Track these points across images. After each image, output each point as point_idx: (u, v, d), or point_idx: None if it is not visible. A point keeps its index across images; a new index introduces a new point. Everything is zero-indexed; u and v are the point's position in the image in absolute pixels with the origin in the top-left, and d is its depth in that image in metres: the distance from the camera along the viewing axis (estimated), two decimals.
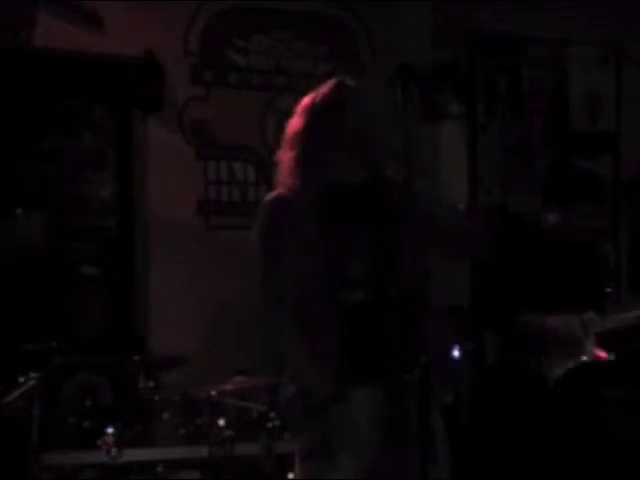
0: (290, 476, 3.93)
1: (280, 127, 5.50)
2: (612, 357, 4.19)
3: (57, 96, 5.09)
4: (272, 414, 4.05)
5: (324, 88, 2.94)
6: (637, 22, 5.88)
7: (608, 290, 4.57)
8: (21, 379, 3.92)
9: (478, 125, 5.85)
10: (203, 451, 4.08)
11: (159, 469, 4.10)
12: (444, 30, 5.67)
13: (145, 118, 5.20)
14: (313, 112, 2.88)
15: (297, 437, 2.80)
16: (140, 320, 5.11)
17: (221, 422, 4.09)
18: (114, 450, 3.97)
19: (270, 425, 4.05)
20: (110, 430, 4.01)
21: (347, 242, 2.74)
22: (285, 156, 2.90)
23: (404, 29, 5.62)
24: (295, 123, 2.91)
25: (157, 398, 4.28)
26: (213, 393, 4.17)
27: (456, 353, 4.46)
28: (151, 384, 4.30)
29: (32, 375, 3.92)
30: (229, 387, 4.23)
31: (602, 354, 4.22)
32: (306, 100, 2.95)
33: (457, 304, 5.37)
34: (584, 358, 4.17)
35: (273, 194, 2.88)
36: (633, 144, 6.00)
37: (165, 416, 4.27)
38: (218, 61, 5.40)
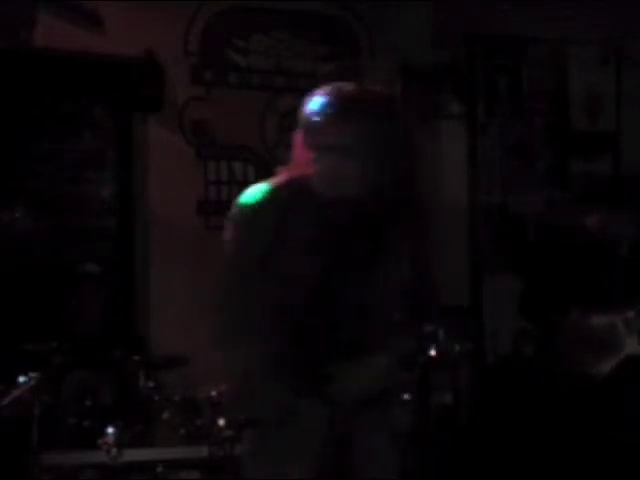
0: None
1: (280, 127, 5.58)
2: None
3: (57, 96, 5.09)
4: None
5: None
6: (637, 22, 5.88)
7: None
8: (21, 379, 3.92)
9: (478, 125, 5.85)
10: (203, 451, 4.09)
11: (159, 469, 4.10)
12: (444, 30, 5.67)
13: (145, 118, 5.20)
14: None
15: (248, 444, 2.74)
16: (140, 320, 5.11)
17: (221, 422, 4.09)
18: (114, 450, 3.97)
19: None
20: (110, 430, 4.01)
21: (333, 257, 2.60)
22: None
23: (404, 29, 5.62)
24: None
25: (157, 398, 4.28)
26: (213, 393, 4.17)
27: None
28: (151, 384, 4.30)
29: (32, 375, 3.92)
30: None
31: None
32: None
33: (457, 304, 5.38)
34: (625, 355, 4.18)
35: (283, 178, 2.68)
36: (633, 144, 6.00)
37: (165, 416, 4.27)
38: (218, 61, 5.40)
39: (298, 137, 2.63)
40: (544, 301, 4.27)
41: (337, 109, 2.57)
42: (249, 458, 2.70)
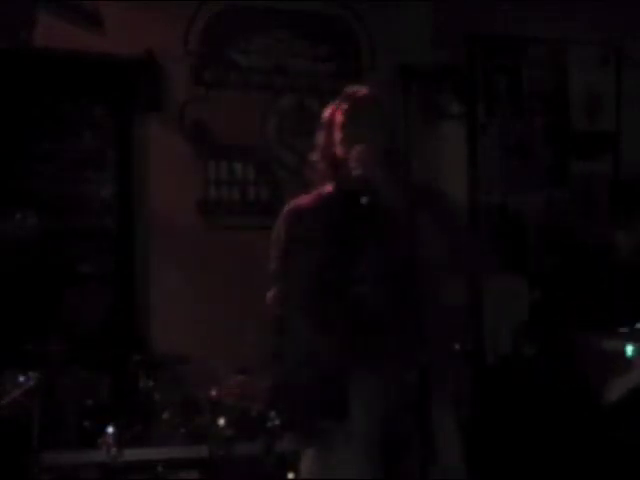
0: (290, 476, 3.94)
1: (280, 127, 5.58)
2: None
3: (57, 96, 5.09)
4: (272, 414, 4.05)
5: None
6: (637, 22, 5.88)
7: None
8: (21, 379, 3.92)
9: (478, 125, 5.85)
10: (203, 451, 4.09)
11: (159, 469, 4.10)
12: (444, 30, 5.67)
13: (145, 118, 5.20)
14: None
15: (308, 436, 2.83)
16: (140, 320, 5.11)
17: (221, 422, 4.09)
18: (114, 450, 3.98)
19: (270, 425, 4.05)
20: (110, 430, 4.01)
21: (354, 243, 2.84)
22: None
23: (404, 29, 5.62)
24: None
25: (157, 398, 4.28)
26: (213, 393, 4.18)
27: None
28: (151, 384, 4.30)
29: (32, 375, 3.92)
30: (230, 387, 4.23)
31: None
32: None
33: (457, 304, 5.37)
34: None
35: (292, 204, 3.04)
36: (633, 144, 6.00)
37: (165, 416, 4.27)
38: (218, 61, 5.40)
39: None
40: (551, 312, 4.24)
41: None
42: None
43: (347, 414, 2.71)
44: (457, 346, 4.76)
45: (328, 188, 2.98)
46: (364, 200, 2.85)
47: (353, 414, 2.71)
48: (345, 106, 2.97)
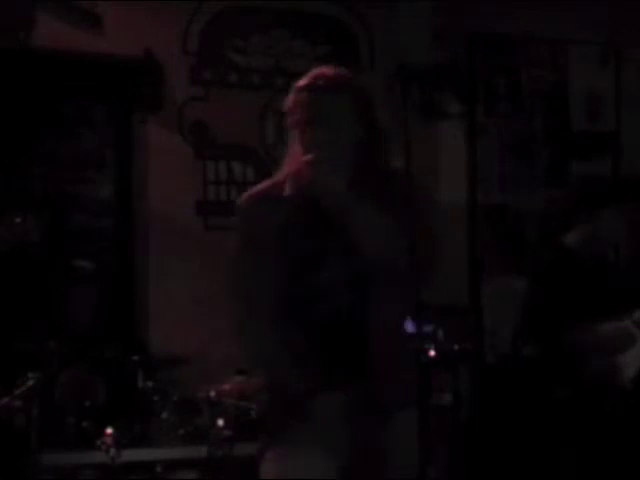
0: None
1: (280, 127, 5.56)
2: None
3: (57, 96, 5.09)
4: None
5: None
6: (637, 22, 5.88)
7: None
8: (20, 379, 3.92)
9: (478, 125, 5.85)
10: (202, 451, 4.09)
11: (158, 469, 4.11)
12: (444, 30, 5.67)
13: (145, 118, 5.21)
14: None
15: (273, 436, 2.72)
16: (139, 320, 5.12)
17: (220, 422, 4.10)
18: (113, 450, 3.98)
19: None
20: (109, 430, 4.01)
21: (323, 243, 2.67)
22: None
23: (404, 29, 5.62)
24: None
25: (156, 398, 4.28)
26: (213, 393, 4.18)
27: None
28: (150, 384, 4.31)
29: (31, 375, 3.92)
30: (229, 387, 4.23)
31: None
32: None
33: (457, 304, 5.38)
34: None
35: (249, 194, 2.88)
36: (633, 144, 6.00)
37: (164, 416, 4.27)
38: (218, 61, 5.40)
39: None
40: (551, 312, 4.22)
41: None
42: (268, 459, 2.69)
43: (308, 415, 2.58)
44: (456, 346, 4.77)
45: (284, 176, 2.80)
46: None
47: (318, 416, 2.58)
48: (306, 97, 2.77)
